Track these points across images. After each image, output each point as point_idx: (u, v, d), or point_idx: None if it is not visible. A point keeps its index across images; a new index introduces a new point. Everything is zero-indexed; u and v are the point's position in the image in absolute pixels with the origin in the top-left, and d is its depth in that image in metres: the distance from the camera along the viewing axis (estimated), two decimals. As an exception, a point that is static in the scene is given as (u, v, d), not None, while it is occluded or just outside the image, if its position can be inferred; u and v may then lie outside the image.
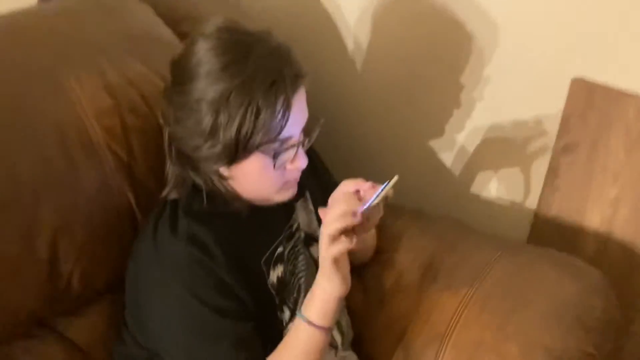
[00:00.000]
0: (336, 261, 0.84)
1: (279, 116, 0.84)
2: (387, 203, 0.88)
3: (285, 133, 0.86)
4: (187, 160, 0.90)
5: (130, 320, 0.96)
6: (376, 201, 0.83)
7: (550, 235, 1.27)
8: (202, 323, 0.87)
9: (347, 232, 0.83)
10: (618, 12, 1.04)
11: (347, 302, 1.11)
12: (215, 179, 0.91)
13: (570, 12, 1.10)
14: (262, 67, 0.84)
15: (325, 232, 0.83)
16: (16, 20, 0.99)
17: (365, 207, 0.83)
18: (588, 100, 1.12)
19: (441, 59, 1.30)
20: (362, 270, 1.15)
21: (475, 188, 1.37)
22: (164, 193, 0.94)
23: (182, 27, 1.15)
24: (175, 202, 0.93)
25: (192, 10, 1.19)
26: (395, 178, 0.84)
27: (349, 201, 0.85)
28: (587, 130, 1.14)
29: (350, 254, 0.92)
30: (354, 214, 0.82)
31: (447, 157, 1.39)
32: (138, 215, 1.00)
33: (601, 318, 1.00)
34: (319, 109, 1.52)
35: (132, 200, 0.99)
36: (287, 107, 0.85)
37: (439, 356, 0.99)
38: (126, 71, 1.00)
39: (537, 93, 1.19)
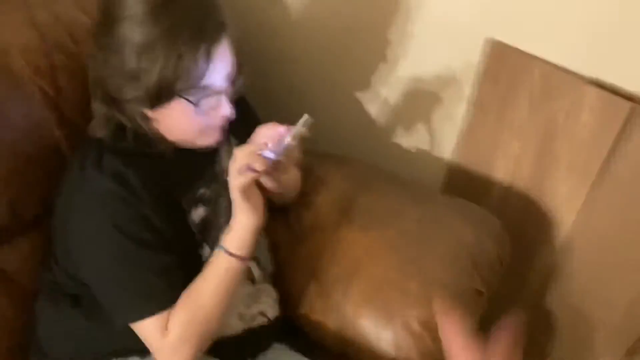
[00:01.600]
0: (243, 192, 0.91)
1: (201, 64, 0.89)
2: (302, 141, 0.94)
3: (206, 80, 0.91)
4: (111, 100, 0.94)
5: (58, 250, 1.01)
6: (288, 142, 0.90)
7: (462, 184, 1.37)
8: (124, 253, 0.92)
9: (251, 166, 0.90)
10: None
11: (270, 238, 1.20)
12: (139, 120, 0.95)
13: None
14: (187, 15, 0.87)
15: (232, 166, 0.90)
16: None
17: (279, 152, 0.90)
18: (499, 60, 1.20)
19: (371, 15, 1.35)
20: (286, 211, 1.23)
21: (396, 138, 1.45)
22: (89, 130, 0.98)
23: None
24: (101, 140, 0.97)
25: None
26: (305, 117, 0.91)
27: (257, 142, 0.92)
28: (497, 89, 1.23)
29: (275, 194, 1.01)
30: (259, 154, 0.90)
31: (372, 108, 1.46)
32: (66, 151, 1.03)
33: (493, 261, 1.11)
34: (254, 56, 1.56)
35: (59, 135, 1.02)
36: (209, 55, 0.89)
37: (347, 290, 1.08)
38: (54, 6, 1.02)
39: (455, 51, 1.26)
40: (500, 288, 1.15)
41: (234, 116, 0.99)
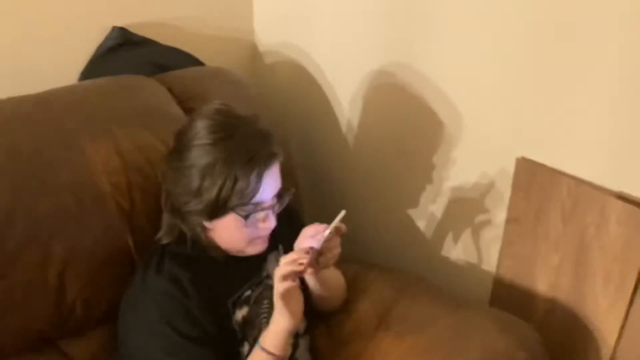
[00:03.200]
0: (284, 297, 1.03)
1: (252, 185, 1.05)
2: (341, 233, 1.07)
3: (256, 199, 1.07)
4: (177, 212, 1.11)
5: (121, 345, 1.15)
6: (327, 234, 1.02)
7: (508, 297, 1.39)
8: (170, 343, 1.05)
9: (295, 275, 1.01)
10: (553, 101, 1.21)
11: (313, 342, 1.28)
12: (198, 229, 1.12)
13: (514, 103, 1.27)
14: (243, 145, 1.05)
15: (277, 272, 1.02)
16: (54, 93, 1.24)
17: (319, 244, 1.03)
18: (530, 177, 1.27)
19: (418, 144, 1.49)
20: (329, 318, 1.31)
21: (445, 252, 1.52)
22: (157, 237, 1.15)
23: (190, 104, 1.39)
24: (164, 247, 1.14)
25: (200, 91, 1.43)
26: (342, 213, 1.03)
27: (300, 248, 1.04)
28: (531, 204, 1.29)
29: (321, 300, 1.13)
30: (305, 251, 1.01)
31: (421, 224, 1.55)
32: (135, 256, 1.20)
33: (525, 369, 1.11)
34: (313, 174, 1.73)
35: (131, 243, 1.19)
36: (259, 179, 1.06)
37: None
38: (137, 139, 1.23)
39: (492, 170, 1.35)
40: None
41: (273, 226, 1.12)
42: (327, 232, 1.02)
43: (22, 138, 1.12)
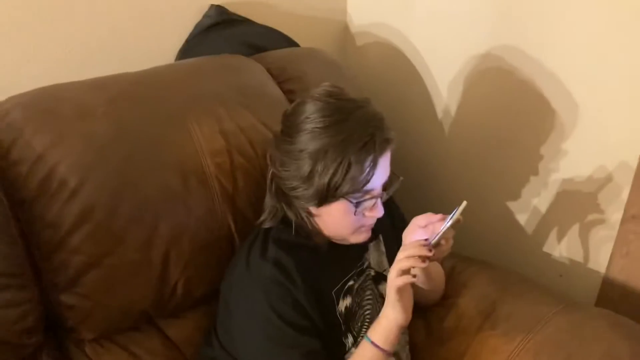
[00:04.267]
0: (400, 292, 0.98)
1: (366, 172, 1.00)
2: (458, 225, 1.00)
3: (369, 186, 1.02)
4: (283, 196, 1.08)
5: (220, 327, 1.14)
6: (447, 228, 0.96)
7: (618, 300, 1.31)
8: (278, 333, 1.02)
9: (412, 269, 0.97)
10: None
11: (411, 338, 1.23)
12: (304, 215, 1.08)
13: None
14: (358, 130, 1.00)
15: (396, 266, 0.97)
16: (156, 71, 1.23)
17: (436, 237, 0.97)
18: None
19: (524, 131, 1.41)
20: (427, 312, 1.26)
21: (547, 248, 1.44)
22: (260, 220, 1.12)
23: (289, 85, 1.35)
24: (267, 231, 1.11)
25: (298, 72, 1.39)
26: (464, 204, 0.97)
27: (420, 240, 0.99)
28: (653, 202, 1.20)
29: (420, 293, 1.07)
30: (426, 246, 0.96)
31: (522, 218, 1.47)
32: (236, 239, 1.18)
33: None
34: (407, 162, 1.68)
35: (232, 226, 1.17)
36: (374, 165, 1.01)
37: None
38: (239, 120, 1.20)
39: (609, 165, 1.26)
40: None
41: (381, 215, 1.07)
42: (449, 222, 0.96)
43: (128, 116, 1.11)
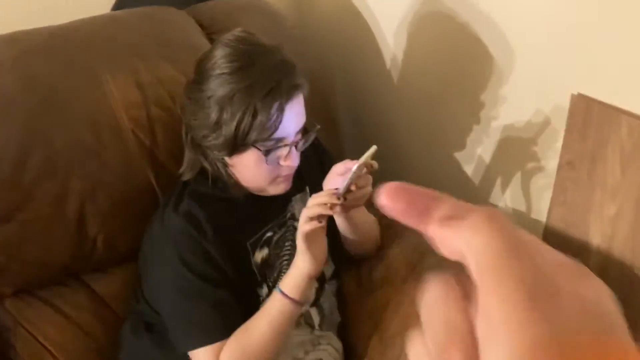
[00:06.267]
0: (308, 240, 0.96)
1: (273, 118, 0.98)
2: (371, 172, 0.98)
3: (278, 134, 0.99)
4: (198, 147, 1.06)
5: (142, 282, 1.14)
6: (355, 170, 0.94)
7: (558, 248, 1.27)
8: (187, 284, 1.02)
9: (322, 216, 0.95)
10: (614, 35, 1.05)
11: (342, 288, 1.22)
12: (219, 165, 1.06)
13: (573, 35, 1.12)
14: (264, 75, 0.98)
15: (304, 213, 0.96)
16: (73, 25, 1.21)
17: (344, 184, 0.95)
18: (586, 116, 1.13)
19: (466, 79, 1.36)
20: (361, 263, 1.25)
21: (493, 198, 1.41)
22: (179, 172, 1.10)
23: (218, 36, 1.31)
24: (185, 183, 1.10)
25: (229, 23, 1.34)
26: (373, 148, 0.94)
27: (330, 189, 0.97)
28: (586, 146, 1.15)
29: (351, 244, 1.07)
30: (334, 193, 0.95)
31: (468, 168, 1.44)
32: (159, 192, 1.17)
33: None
34: (355, 111, 1.64)
35: (153, 180, 1.16)
36: (281, 111, 0.98)
37: (405, 344, 1.05)
38: (158, 71, 1.18)
39: (545, 109, 1.21)
40: None
41: (296, 164, 1.05)
42: (355, 167, 0.93)
43: (37, 70, 1.10)
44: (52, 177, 1.07)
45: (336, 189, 0.97)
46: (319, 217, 0.96)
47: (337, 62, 1.67)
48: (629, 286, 1.16)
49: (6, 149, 1.04)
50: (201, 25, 1.33)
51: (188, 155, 1.09)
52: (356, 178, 0.96)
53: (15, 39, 1.13)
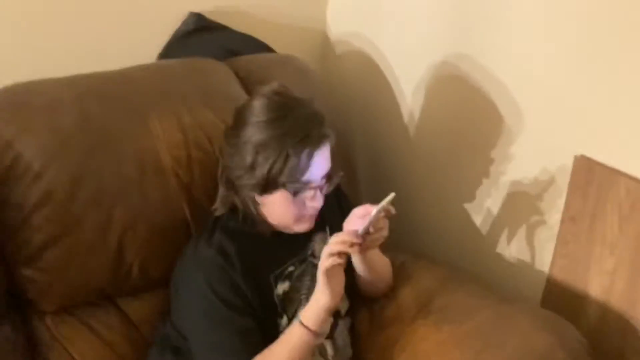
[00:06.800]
0: (328, 275, 1.06)
1: (303, 164, 1.10)
2: (390, 216, 1.09)
3: (306, 177, 1.11)
4: (232, 185, 1.18)
5: (172, 307, 1.23)
6: (375, 214, 1.04)
7: (560, 299, 1.35)
8: (214, 311, 1.11)
9: (342, 253, 1.05)
10: (615, 101, 1.17)
11: (355, 325, 1.31)
12: (249, 203, 1.17)
13: (577, 100, 1.24)
14: (297, 125, 1.10)
15: (326, 250, 1.06)
16: (127, 71, 1.34)
17: (364, 225, 1.05)
18: (588, 176, 1.23)
19: (478, 136, 1.48)
20: (373, 302, 1.33)
21: (499, 249, 1.50)
22: (213, 207, 1.21)
23: (254, 87, 1.44)
24: (217, 219, 1.21)
25: (265, 76, 1.47)
26: (392, 195, 1.05)
27: (350, 229, 1.07)
28: (587, 204, 1.25)
29: (365, 283, 1.20)
30: (355, 233, 1.05)
31: (477, 219, 1.53)
32: (192, 225, 1.28)
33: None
34: (373, 162, 1.75)
35: (188, 214, 1.27)
36: (310, 158, 1.10)
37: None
38: (199, 117, 1.30)
39: (549, 168, 1.32)
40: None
41: (320, 205, 1.16)
42: (375, 211, 1.04)
43: (93, 110, 1.22)
44: (98, 207, 1.18)
45: (356, 229, 1.07)
46: (339, 254, 1.06)
47: (358, 115, 1.80)
48: (626, 336, 1.24)
49: (61, 180, 1.15)
50: (238, 77, 1.46)
51: (221, 193, 1.21)
52: (375, 221, 1.06)
53: (74, 82, 1.26)
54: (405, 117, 1.66)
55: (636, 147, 1.16)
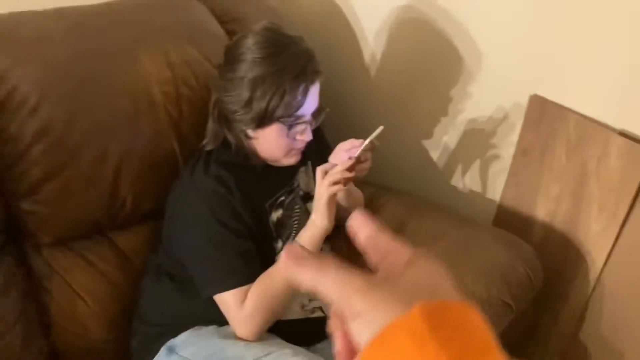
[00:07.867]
0: (331, 201, 1.15)
1: (299, 98, 1.17)
2: (374, 148, 1.20)
3: (300, 111, 1.19)
4: (225, 120, 1.23)
5: (164, 237, 1.29)
6: (366, 144, 1.15)
7: (509, 223, 1.54)
8: (217, 236, 1.18)
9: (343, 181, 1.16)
10: (567, 45, 1.32)
11: (334, 250, 1.42)
12: (242, 137, 1.23)
13: (533, 45, 1.38)
14: (292, 62, 1.16)
15: (328, 178, 1.15)
16: (110, 7, 1.34)
17: (358, 151, 1.16)
18: (540, 112, 1.40)
19: (438, 76, 1.60)
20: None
21: (454, 180, 1.66)
22: (203, 143, 1.27)
23: (230, 26, 1.49)
24: (209, 153, 1.26)
25: (239, 14, 1.52)
26: (380, 128, 1.16)
27: (335, 160, 1.18)
28: (539, 138, 1.42)
29: (342, 211, 1.26)
30: (350, 163, 1.15)
31: (434, 154, 1.68)
32: (180, 160, 1.33)
33: (521, 279, 1.27)
34: (335, 101, 1.84)
35: (177, 149, 1.32)
36: (305, 93, 1.17)
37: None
38: (184, 54, 1.33)
39: (505, 106, 1.47)
40: (536, 321, 1.30)
41: (310, 139, 1.25)
42: (367, 142, 1.14)
43: (83, 44, 1.22)
44: (94, 140, 1.20)
45: (349, 158, 1.17)
46: (341, 182, 1.16)
47: (319, 56, 1.86)
48: (566, 253, 1.44)
49: (57, 112, 1.16)
50: (214, 14, 1.49)
51: (212, 127, 1.26)
52: (362, 153, 1.17)
53: (62, 15, 1.25)
54: (367, 58, 1.76)
55: (583, 87, 1.32)
